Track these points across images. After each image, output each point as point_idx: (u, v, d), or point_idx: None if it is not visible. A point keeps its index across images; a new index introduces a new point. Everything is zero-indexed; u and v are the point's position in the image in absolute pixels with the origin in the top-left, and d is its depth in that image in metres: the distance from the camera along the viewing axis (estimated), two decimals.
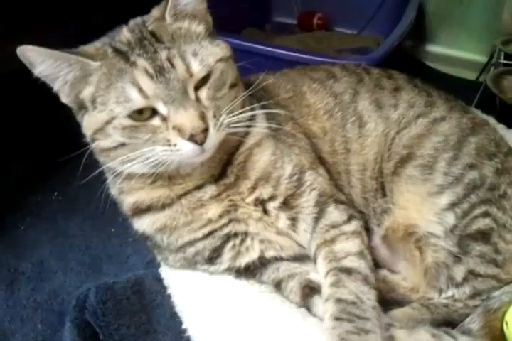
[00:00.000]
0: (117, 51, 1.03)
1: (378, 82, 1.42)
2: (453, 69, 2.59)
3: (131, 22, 1.11)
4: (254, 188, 1.18)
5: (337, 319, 1.03)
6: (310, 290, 1.19)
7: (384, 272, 1.29)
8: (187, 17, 1.09)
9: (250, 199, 1.18)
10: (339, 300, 1.06)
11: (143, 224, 1.21)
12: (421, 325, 1.17)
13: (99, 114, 1.02)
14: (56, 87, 1.05)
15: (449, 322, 1.20)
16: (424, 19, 2.62)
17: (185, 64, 1.01)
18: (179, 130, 0.99)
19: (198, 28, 1.09)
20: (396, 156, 1.30)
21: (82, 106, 1.06)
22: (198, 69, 1.02)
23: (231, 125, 1.08)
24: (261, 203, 1.18)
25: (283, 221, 1.20)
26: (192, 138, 0.99)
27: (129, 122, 1.01)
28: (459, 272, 1.22)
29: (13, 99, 1.62)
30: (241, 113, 1.11)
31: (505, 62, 2.27)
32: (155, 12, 1.11)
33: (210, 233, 1.19)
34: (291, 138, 1.25)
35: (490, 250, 1.22)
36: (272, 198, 1.18)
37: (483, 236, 1.23)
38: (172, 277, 1.28)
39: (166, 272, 1.30)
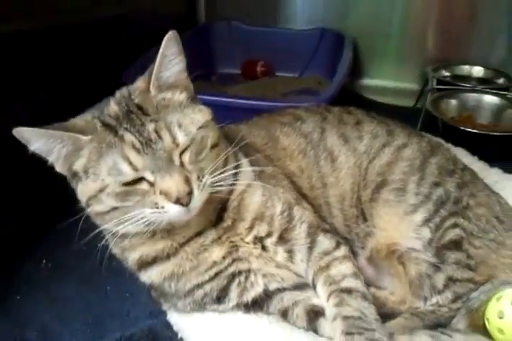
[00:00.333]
0: (106, 125, 1.11)
1: (340, 118, 1.55)
2: (391, 99, 2.77)
3: (118, 94, 1.19)
4: (251, 228, 1.28)
5: (348, 334, 1.13)
6: (315, 314, 1.29)
7: (372, 290, 1.37)
8: (170, 88, 1.17)
9: (249, 238, 1.28)
10: (346, 317, 1.16)
11: (151, 276, 1.29)
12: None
13: (92, 183, 1.11)
14: (51, 160, 1.14)
15: (438, 326, 1.30)
16: (356, 55, 2.79)
17: (172, 136, 1.10)
18: (166, 194, 1.09)
19: (181, 96, 1.18)
20: (372, 184, 1.43)
21: (76, 175, 1.14)
22: (183, 140, 1.11)
23: (216, 183, 1.16)
24: (259, 241, 1.28)
25: (281, 254, 1.30)
26: (178, 201, 1.09)
27: (120, 189, 1.10)
28: (439, 280, 1.32)
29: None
30: (223, 172, 1.19)
31: (438, 87, 2.48)
32: (140, 83, 1.18)
33: (216, 274, 1.27)
34: (273, 180, 1.35)
35: (463, 256, 1.34)
36: (268, 235, 1.29)
37: (456, 245, 1.35)
38: (181, 322, 1.34)
39: (174, 318, 1.35)
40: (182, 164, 1.11)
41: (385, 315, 1.29)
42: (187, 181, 1.09)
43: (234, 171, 1.25)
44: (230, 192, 1.28)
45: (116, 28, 2.41)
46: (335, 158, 1.47)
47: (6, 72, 1.76)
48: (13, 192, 1.74)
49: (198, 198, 1.11)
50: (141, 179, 1.10)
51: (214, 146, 1.19)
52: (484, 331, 1.28)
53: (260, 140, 1.48)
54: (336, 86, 2.24)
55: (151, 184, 1.10)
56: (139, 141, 1.08)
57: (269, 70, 3.00)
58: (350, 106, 1.65)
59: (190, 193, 1.09)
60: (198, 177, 1.12)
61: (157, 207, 1.11)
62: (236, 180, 1.27)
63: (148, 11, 2.65)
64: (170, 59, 1.15)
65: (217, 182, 1.17)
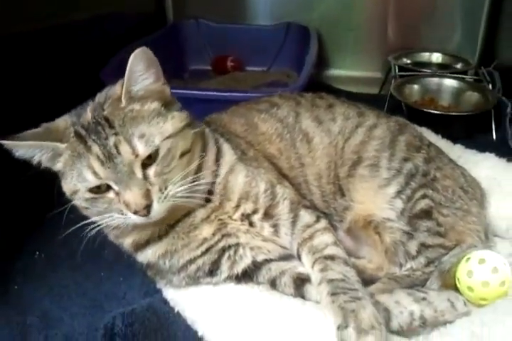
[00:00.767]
0: (78, 135, 1.17)
1: (313, 102, 1.64)
2: (357, 87, 2.86)
3: (97, 98, 1.24)
4: (238, 206, 1.36)
5: (333, 294, 1.21)
6: (301, 281, 1.37)
7: (352, 259, 1.44)
8: (141, 99, 1.20)
9: (237, 215, 1.36)
10: (331, 280, 1.25)
11: (146, 256, 1.37)
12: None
13: (69, 184, 1.21)
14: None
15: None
16: (321, 47, 2.90)
17: (131, 147, 1.14)
18: (126, 205, 1.17)
19: (152, 106, 1.21)
20: (348, 162, 1.52)
21: (59, 173, 1.24)
22: (142, 150, 1.15)
23: (183, 192, 1.22)
24: (246, 217, 1.37)
25: (267, 229, 1.38)
26: (136, 213, 1.17)
27: (89, 195, 1.19)
28: (412, 246, 1.41)
29: None
30: (195, 179, 1.25)
31: (400, 74, 2.60)
32: (117, 88, 1.21)
33: (207, 249, 1.35)
34: (255, 162, 1.44)
35: (433, 224, 1.43)
36: (254, 211, 1.37)
37: (426, 214, 1.43)
38: (177, 297, 1.41)
39: (170, 294, 1.42)
40: (146, 176, 1.17)
41: (365, 281, 1.35)
42: (147, 195, 1.16)
43: (205, 182, 1.31)
44: (215, 177, 1.35)
45: (92, 29, 2.48)
46: (310, 139, 1.54)
47: None
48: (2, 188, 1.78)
49: (158, 209, 1.18)
50: (108, 188, 1.18)
51: (185, 153, 1.24)
52: (456, 290, 1.38)
53: (240, 127, 1.56)
54: (304, 77, 2.32)
55: (117, 193, 1.18)
56: (103, 154, 1.14)
57: (239, 65, 3.07)
58: (321, 92, 1.74)
59: (149, 206, 1.16)
60: (161, 190, 1.18)
61: (122, 214, 1.19)
62: (214, 183, 1.35)
63: (120, 12, 2.71)
64: (138, 74, 1.18)
65: (185, 190, 1.22)
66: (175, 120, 1.23)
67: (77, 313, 1.57)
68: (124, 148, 1.14)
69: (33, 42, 2.09)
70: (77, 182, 1.17)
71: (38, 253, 1.79)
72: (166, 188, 1.19)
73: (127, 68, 1.17)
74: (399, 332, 1.25)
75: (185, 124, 1.25)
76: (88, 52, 2.41)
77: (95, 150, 1.14)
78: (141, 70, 1.18)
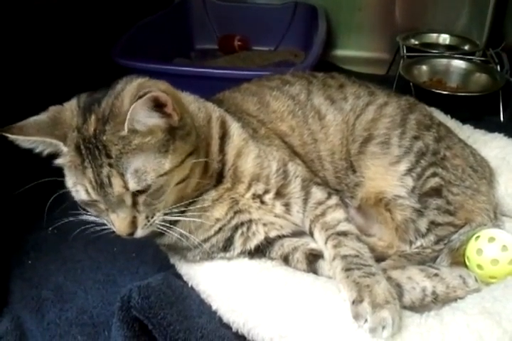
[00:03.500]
0: (78, 149, 1.14)
1: (325, 82, 1.65)
2: (364, 68, 2.89)
3: (110, 98, 1.16)
4: (249, 188, 1.36)
5: (347, 270, 1.22)
6: (313, 257, 1.38)
7: (362, 237, 1.43)
8: (143, 133, 1.14)
9: (248, 195, 1.36)
10: (345, 256, 1.26)
11: (163, 241, 1.39)
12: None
13: (67, 183, 1.19)
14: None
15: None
16: (328, 27, 2.86)
17: (123, 181, 1.12)
18: (113, 225, 1.19)
19: (154, 138, 1.15)
20: (359, 138, 1.52)
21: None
22: (133, 186, 1.13)
23: (169, 218, 1.23)
24: (258, 197, 1.37)
25: (279, 207, 1.39)
26: (120, 233, 1.20)
27: (81, 201, 1.20)
28: (422, 224, 1.43)
29: None
30: (190, 203, 1.27)
31: (408, 54, 2.61)
32: (126, 102, 1.12)
33: (220, 228, 1.36)
34: (267, 140, 1.44)
35: (443, 202, 1.45)
36: (266, 192, 1.37)
37: (436, 192, 1.45)
38: (190, 272, 1.43)
39: (184, 269, 1.44)
40: (135, 203, 1.17)
41: (375, 259, 1.35)
42: (132, 222, 1.18)
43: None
44: (222, 165, 1.35)
45: (99, 7, 2.47)
46: (323, 116, 1.55)
47: None
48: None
49: (141, 234, 1.20)
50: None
51: (182, 181, 1.22)
52: (465, 268, 1.41)
53: (253, 106, 1.56)
54: (313, 57, 2.33)
55: (107, 209, 1.18)
56: (96, 181, 1.13)
57: (246, 44, 3.07)
58: (331, 72, 1.75)
59: (133, 232, 1.19)
60: (147, 217, 1.19)
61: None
62: (223, 168, 1.35)
63: None
64: (141, 116, 1.12)
65: (173, 217, 1.24)
66: (176, 154, 1.18)
67: (91, 287, 1.60)
68: (116, 181, 1.12)
69: (40, 19, 2.10)
70: (72, 188, 1.17)
71: (50, 229, 1.80)
72: (152, 216, 1.20)
73: (130, 109, 1.10)
74: (411, 308, 1.27)
75: (186, 155, 1.21)
76: (95, 30, 2.40)
77: (89, 174, 1.13)
78: (145, 116, 1.13)
